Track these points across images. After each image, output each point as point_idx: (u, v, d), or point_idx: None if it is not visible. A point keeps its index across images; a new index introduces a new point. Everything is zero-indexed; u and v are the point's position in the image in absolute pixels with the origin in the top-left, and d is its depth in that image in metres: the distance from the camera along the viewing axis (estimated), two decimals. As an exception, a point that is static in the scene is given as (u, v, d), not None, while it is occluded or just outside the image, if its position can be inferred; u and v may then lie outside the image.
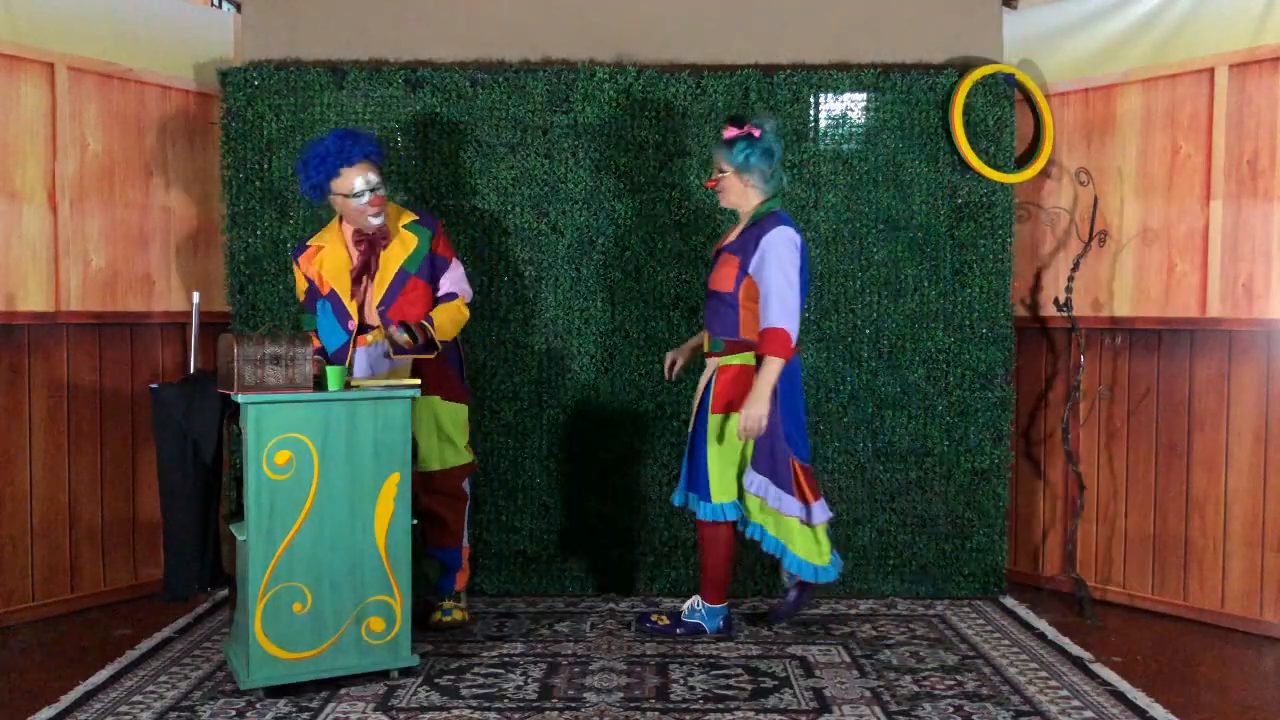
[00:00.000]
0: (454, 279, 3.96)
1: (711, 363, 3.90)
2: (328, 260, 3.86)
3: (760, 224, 3.79)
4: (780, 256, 3.72)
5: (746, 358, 3.81)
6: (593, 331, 4.48)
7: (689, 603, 4.02)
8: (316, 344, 3.81)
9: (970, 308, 4.47)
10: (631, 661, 3.68)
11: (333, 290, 3.85)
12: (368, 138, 3.79)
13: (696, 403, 3.94)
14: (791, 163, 4.46)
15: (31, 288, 4.10)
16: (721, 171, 3.84)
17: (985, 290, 4.46)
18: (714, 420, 3.82)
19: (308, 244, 3.93)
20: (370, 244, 3.82)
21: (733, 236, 3.90)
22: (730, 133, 3.80)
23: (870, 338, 4.48)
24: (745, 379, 3.78)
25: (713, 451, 3.82)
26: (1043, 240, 4.62)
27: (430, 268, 3.90)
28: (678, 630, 3.95)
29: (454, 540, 4.03)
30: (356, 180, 3.72)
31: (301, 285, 3.94)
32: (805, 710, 3.25)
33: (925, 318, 4.48)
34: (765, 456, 3.78)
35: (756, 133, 3.79)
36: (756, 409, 3.69)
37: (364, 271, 3.83)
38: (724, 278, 3.81)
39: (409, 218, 3.92)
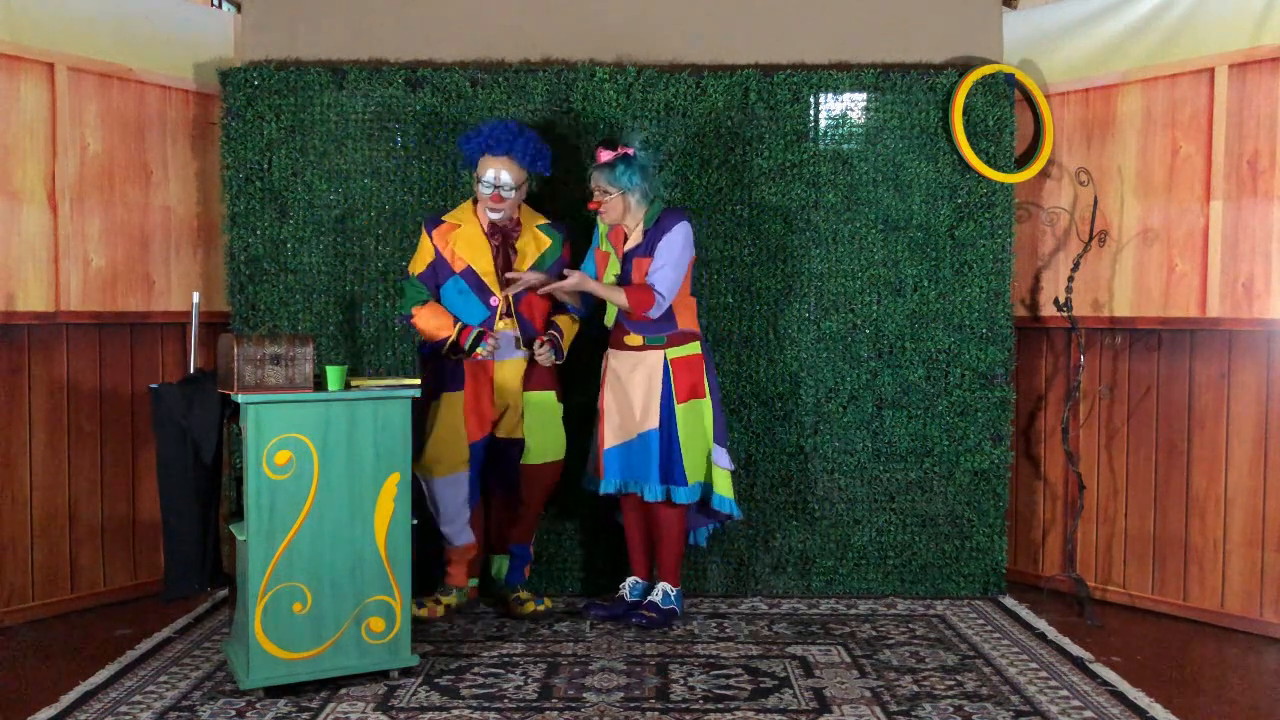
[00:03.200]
0: None
1: (651, 355, 3.99)
2: (463, 238, 4.00)
3: (661, 222, 4.00)
4: (674, 241, 3.94)
5: (693, 347, 4.02)
6: (593, 331, 4.47)
7: (660, 591, 4.07)
8: (448, 326, 3.95)
9: (970, 308, 4.47)
10: (631, 661, 3.68)
11: (469, 268, 3.97)
12: (525, 138, 3.97)
13: (632, 395, 4.01)
14: (791, 163, 4.46)
15: (31, 288, 4.10)
16: (606, 194, 3.99)
17: (985, 290, 4.46)
18: (681, 410, 3.98)
19: (442, 219, 4.05)
20: (504, 235, 4.00)
21: (637, 239, 4.02)
22: (606, 156, 3.97)
23: (870, 338, 4.48)
24: (697, 365, 4.03)
25: (684, 438, 3.97)
26: (1043, 240, 4.62)
27: (559, 269, 4.08)
28: (656, 616, 4.02)
29: (531, 534, 4.23)
30: (489, 171, 3.95)
31: (426, 257, 4.02)
32: (805, 710, 3.25)
33: (925, 318, 4.48)
34: (721, 429, 4.08)
35: (631, 152, 3.97)
36: (581, 285, 3.91)
37: (505, 260, 3.99)
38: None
39: (540, 220, 4.15)
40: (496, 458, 4.10)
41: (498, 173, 3.93)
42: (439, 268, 4.01)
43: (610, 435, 4.06)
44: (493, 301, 3.97)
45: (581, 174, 4.47)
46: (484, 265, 3.98)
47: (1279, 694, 3.47)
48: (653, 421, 3.98)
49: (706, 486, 4.07)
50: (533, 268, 4.02)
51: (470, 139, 3.99)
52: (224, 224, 4.50)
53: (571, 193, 4.47)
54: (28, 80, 4.08)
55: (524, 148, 3.94)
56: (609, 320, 4.13)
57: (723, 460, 4.05)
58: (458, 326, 3.93)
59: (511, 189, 3.96)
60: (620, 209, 4.00)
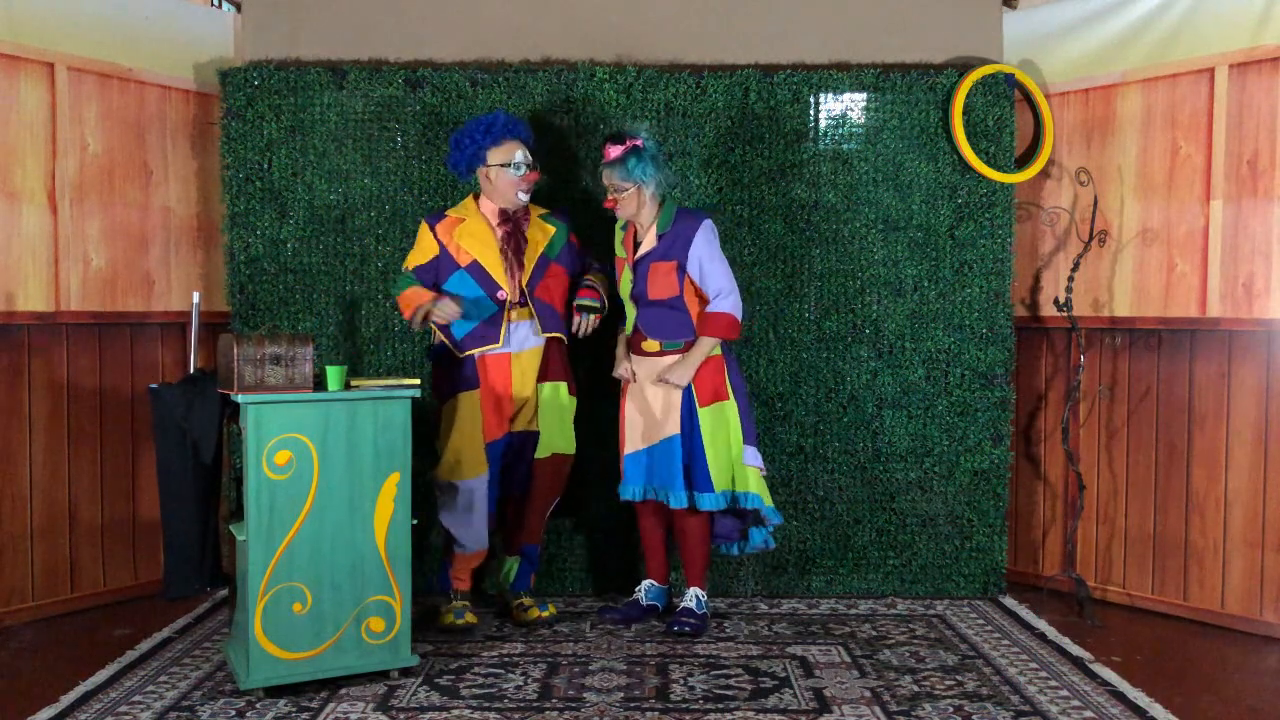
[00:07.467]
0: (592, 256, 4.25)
1: (669, 360, 3.94)
2: (468, 233, 3.98)
3: (677, 226, 3.92)
4: (714, 249, 3.92)
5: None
6: (593, 331, 4.47)
7: (693, 596, 4.04)
8: (450, 311, 3.86)
9: (970, 308, 4.47)
10: (631, 661, 3.68)
11: (475, 262, 3.95)
12: (528, 127, 4.09)
13: (651, 400, 3.97)
14: (791, 163, 4.47)
15: (31, 288, 4.10)
16: (622, 191, 3.90)
17: (985, 290, 4.47)
18: (704, 414, 3.93)
19: (445, 213, 4.04)
20: (515, 224, 3.98)
21: (651, 243, 3.94)
22: (616, 151, 3.89)
23: (870, 338, 4.48)
24: (718, 367, 3.96)
25: (709, 443, 3.91)
26: (1043, 240, 4.62)
27: (569, 255, 4.13)
28: (697, 622, 3.98)
29: (540, 534, 4.19)
30: (517, 152, 3.94)
31: (428, 252, 3.99)
32: (805, 710, 3.25)
33: (925, 318, 4.48)
34: (750, 426, 3.99)
35: (640, 143, 3.89)
36: (685, 376, 3.88)
37: (515, 248, 3.97)
38: (667, 286, 3.92)
39: (541, 211, 4.15)
40: (515, 453, 4.07)
41: (525, 152, 3.95)
42: (443, 263, 3.97)
43: (631, 440, 4.02)
44: (500, 295, 3.94)
45: (581, 174, 4.47)
46: (490, 258, 3.95)
47: (1279, 694, 3.47)
48: (673, 427, 3.92)
49: (733, 493, 3.97)
50: (543, 254, 4.01)
51: (478, 131, 3.93)
52: (224, 224, 4.50)
53: (571, 192, 4.47)
54: (28, 80, 4.08)
55: (528, 131, 4.05)
56: (629, 328, 4.08)
57: (752, 459, 3.94)
58: (433, 297, 3.87)
59: (535, 168, 4.01)
60: (636, 203, 3.92)
